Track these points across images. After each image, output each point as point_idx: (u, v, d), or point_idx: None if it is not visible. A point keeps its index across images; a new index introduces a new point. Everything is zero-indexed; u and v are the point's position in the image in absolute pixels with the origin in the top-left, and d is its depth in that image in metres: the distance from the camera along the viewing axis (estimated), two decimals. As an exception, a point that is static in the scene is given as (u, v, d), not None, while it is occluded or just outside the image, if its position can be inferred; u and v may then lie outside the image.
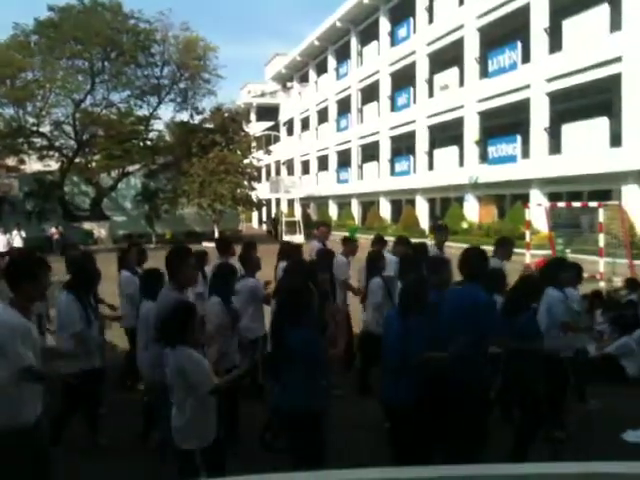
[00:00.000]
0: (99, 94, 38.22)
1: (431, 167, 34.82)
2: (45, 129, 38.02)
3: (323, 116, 49.85)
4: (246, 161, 37.65)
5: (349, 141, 44.39)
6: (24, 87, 34.81)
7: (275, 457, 4.33)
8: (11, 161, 40.93)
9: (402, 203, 37.70)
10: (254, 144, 40.26)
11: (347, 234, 26.12)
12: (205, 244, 25.18)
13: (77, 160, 39.18)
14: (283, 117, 60.13)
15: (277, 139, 56.14)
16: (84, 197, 40.62)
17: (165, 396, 4.26)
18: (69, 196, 39.58)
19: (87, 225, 37.71)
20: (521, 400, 5.03)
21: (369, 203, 41.62)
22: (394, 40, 38.25)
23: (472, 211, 30.74)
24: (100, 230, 38.07)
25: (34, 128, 37.15)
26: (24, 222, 32.35)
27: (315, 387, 4.22)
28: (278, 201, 53.58)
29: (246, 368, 4.98)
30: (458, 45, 31.51)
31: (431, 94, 34.83)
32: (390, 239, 10.50)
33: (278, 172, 59.08)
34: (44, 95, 36.11)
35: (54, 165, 39.56)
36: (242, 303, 6.43)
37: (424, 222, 34.39)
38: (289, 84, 58.49)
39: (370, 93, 41.81)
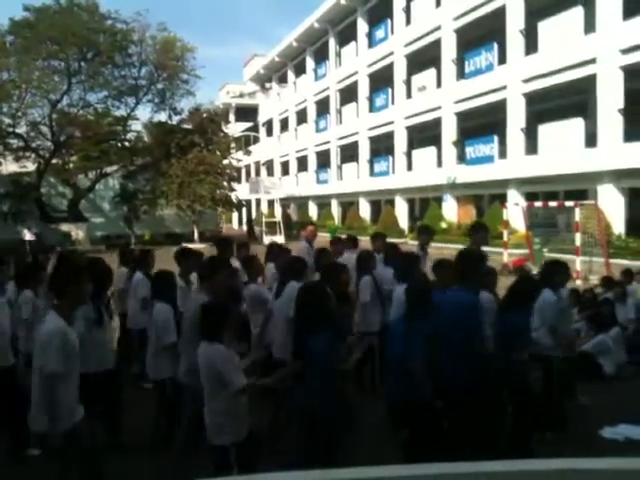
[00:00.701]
0: (76, 94, 37.82)
1: (410, 167, 35.02)
2: (21, 130, 37.47)
3: (302, 117, 49.83)
4: (225, 162, 37.53)
5: (328, 142, 44.44)
6: (0, 87, 34.37)
7: (275, 457, 4.37)
8: (-14, 163, 40.32)
9: (381, 203, 37.87)
10: (233, 145, 40.14)
11: (329, 234, 26.24)
12: (185, 245, 25.01)
13: (54, 161, 38.59)
14: (262, 118, 59.98)
15: (256, 140, 56.01)
16: (61, 198, 40.05)
17: (196, 398, 4.39)
18: (46, 197, 39.03)
19: (65, 227, 37.18)
20: (516, 401, 5.09)
21: (349, 203, 41.72)
22: (372, 41, 38.38)
23: (451, 211, 30.98)
24: (78, 232, 37.53)
25: (10, 129, 36.55)
26: (0, 224, 31.75)
27: (330, 390, 4.25)
28: (258, 202, 53.42)
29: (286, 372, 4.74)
30: (435, 46, 31.70)
31: (409, 95, 35.04)
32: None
33: (258, 173, 58.89)
34: (20, 96, 35.57)
35: (31, 166, 38.93)
36: (247, 309, 6.55)
37: (403, 222, 34.62)
38: (268, 85, 58.37)
39: (349, 94, 41.89)
